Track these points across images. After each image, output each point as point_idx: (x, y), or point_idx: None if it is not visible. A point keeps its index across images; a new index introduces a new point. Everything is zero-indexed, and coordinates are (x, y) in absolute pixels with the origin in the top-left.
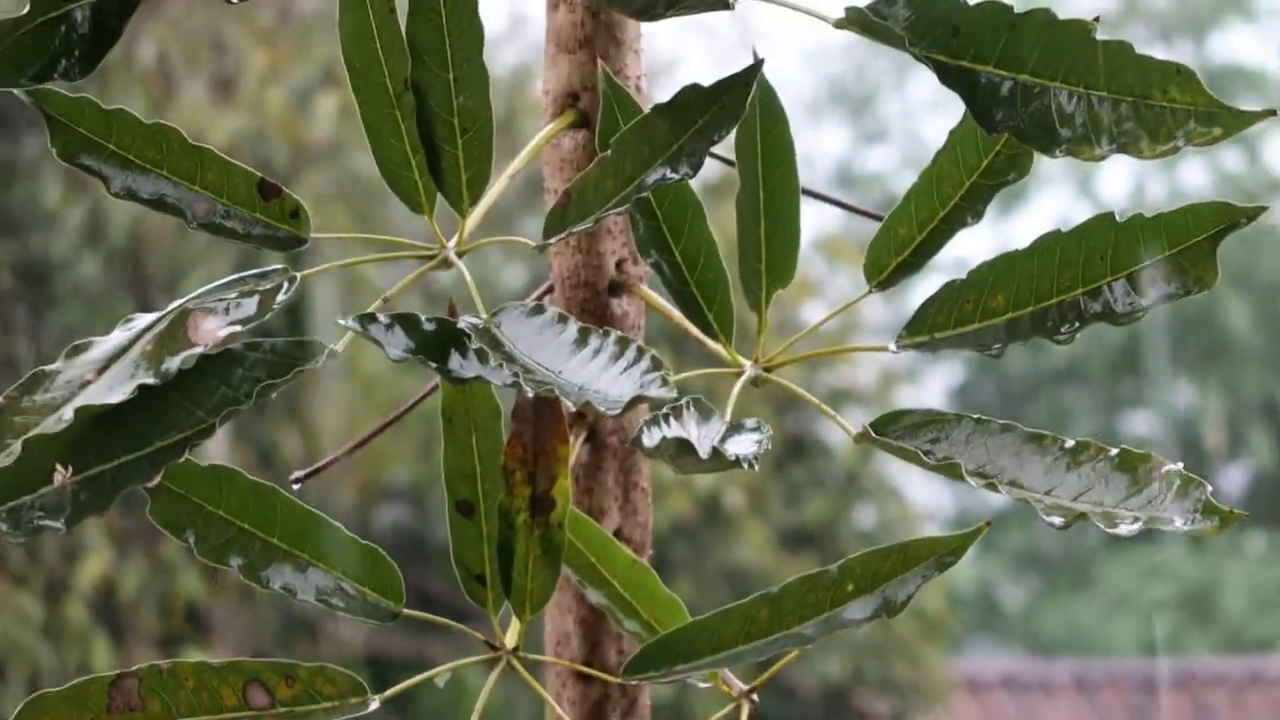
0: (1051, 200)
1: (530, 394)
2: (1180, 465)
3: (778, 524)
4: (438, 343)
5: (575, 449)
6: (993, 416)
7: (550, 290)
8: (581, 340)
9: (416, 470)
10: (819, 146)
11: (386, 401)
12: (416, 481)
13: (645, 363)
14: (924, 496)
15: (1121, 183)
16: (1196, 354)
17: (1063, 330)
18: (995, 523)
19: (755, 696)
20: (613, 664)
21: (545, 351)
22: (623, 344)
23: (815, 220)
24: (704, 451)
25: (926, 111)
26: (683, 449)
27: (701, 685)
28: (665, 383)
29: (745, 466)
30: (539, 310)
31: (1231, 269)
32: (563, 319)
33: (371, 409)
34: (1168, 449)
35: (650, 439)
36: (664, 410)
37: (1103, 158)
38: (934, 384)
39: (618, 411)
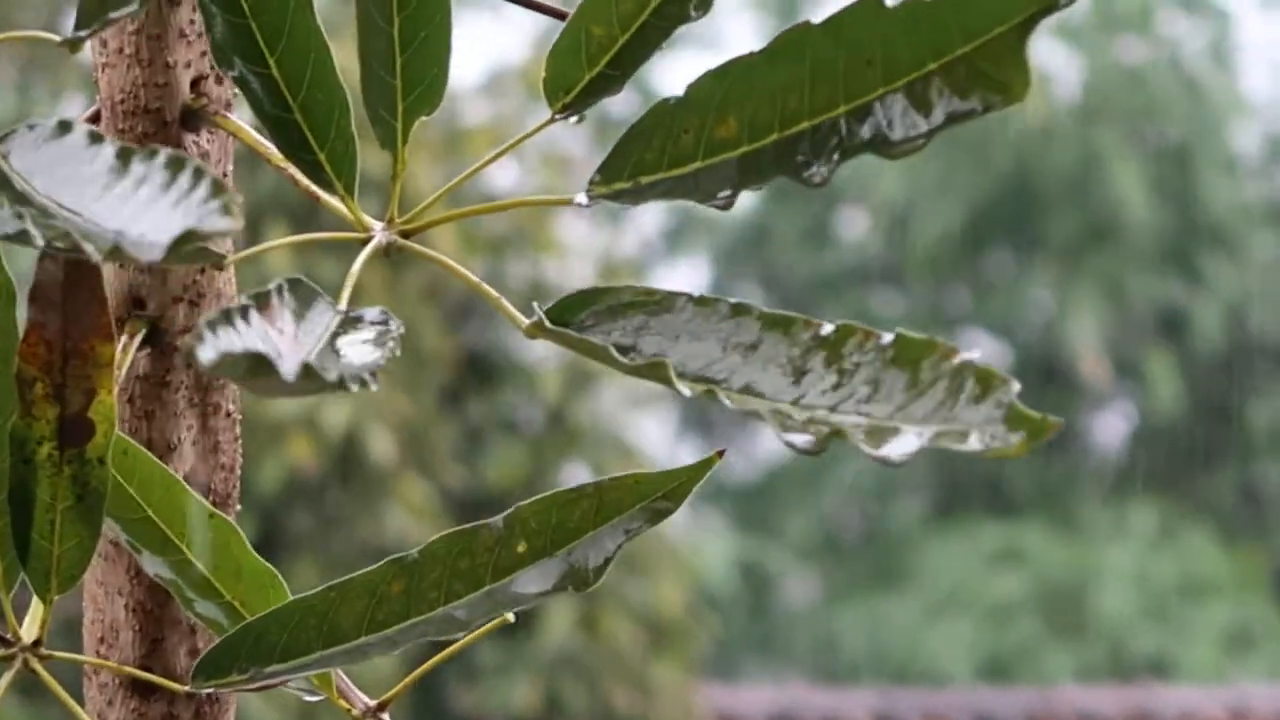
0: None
1: (40, 242)
2: (977, 353)
3: None
4: None
5: (131, 353)
6: None
7: (96, 119)
8: (121, 166)
9: None
10: None
11: None
12: None
13: (204, 189)
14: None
15: None
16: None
17: (816, 165)
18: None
19: (386, 715)
20: (182, 668)
21: (71, 186)
22: (176, 166)
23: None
24: (288, 370)
25: None
26: (256, 366)
27: (309, 698)
28: (228, 211)
29: (356, 388)
30: (64, 130)
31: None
32: (96, 139)
33: None
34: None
35: (207, 351)
36: (239, 304)
37: None
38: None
39: (157, 256)
